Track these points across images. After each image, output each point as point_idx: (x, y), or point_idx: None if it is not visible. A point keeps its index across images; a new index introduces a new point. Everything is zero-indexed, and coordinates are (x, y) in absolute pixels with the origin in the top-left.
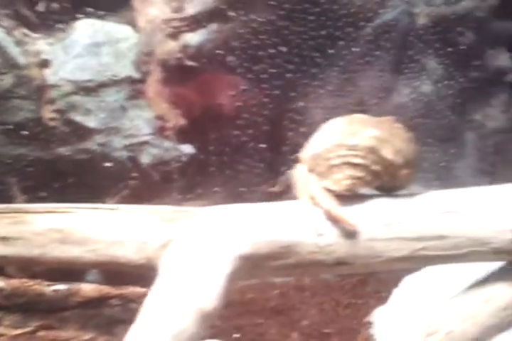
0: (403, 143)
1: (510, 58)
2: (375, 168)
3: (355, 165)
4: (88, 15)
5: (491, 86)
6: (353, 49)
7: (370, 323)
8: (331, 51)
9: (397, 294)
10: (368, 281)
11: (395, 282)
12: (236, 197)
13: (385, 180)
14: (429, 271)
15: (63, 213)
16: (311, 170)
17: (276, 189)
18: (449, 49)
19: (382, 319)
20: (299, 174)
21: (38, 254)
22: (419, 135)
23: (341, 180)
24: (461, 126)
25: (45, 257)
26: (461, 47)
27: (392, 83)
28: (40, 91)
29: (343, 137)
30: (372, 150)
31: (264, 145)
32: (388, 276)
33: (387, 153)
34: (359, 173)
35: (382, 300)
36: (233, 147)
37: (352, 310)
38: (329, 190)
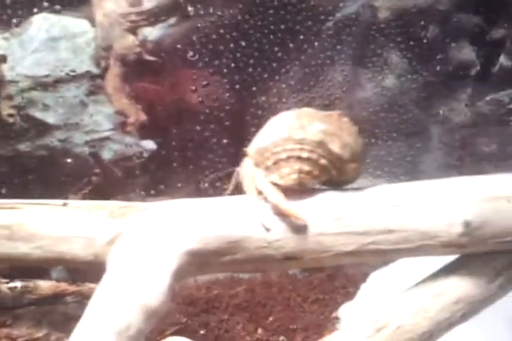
0: (350, 137)
1: (473, 52)
2: (323, 162)
3: (302, 159)
4: (44, 9)
5: (455, 80)
6: (315, 43)
7: (337, 319)
8: (292, 45)
9: (365, 290)
10: (335, 277)
11: (363, 278)
12: (199, 193)
13: (333, 174)
14: (396, 267)
15: (11, 209)
16: (257, 165)
17: (229, 189)
18: (412, 43)
19: (349, 314)
20: (246, 168)
21: None
22: (383, 129)
23: (288, 175)
24: (426, 120)
25: None
26: (424, 41)
27: (355, 77)
28: None
29: (290, 131)
30: (319, 144)
31: (226, 141)
32: (356, 272)
33: (335, 147)
34: (306, 167)
35: (349, 295)
36: (195, 142)
37: (319, 306)
38: (276, 185)
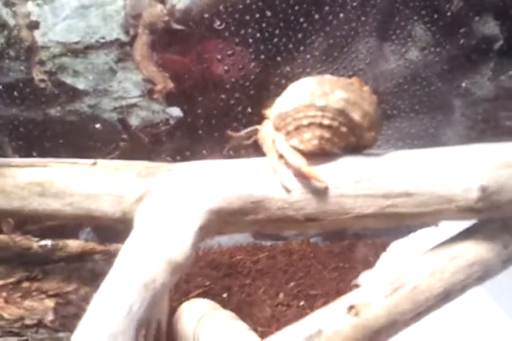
0: (371, 107)
1: (497, 26)
2: (343, 129)
3: (323, 126)
4: None
5: (478, 53)
6: (340, 14)
7: (356, 286)
8: (317, 16)
9: (384, 259)
10: (356, 246)
11: (383, 247)
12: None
13: (351, 141)
14: (416, 237)
15: (43, 167)
16: (278, 129)
17: (237, 135)
18: (436, 16)
19: (368, 282)
20: (266, 131)
21: (18, 207)
22: (406, 101)
23: (309, 140)
24: (449, 93)
25: (24, 210)
26: (448, 14)
27: (379, 49)
28: (29, 53)
29: (312, 98)
30: (341, 113)
31: (250, 109)
32: (376, 241)
33: (356, 115)
34: (327, 134)
35: (369, 264)
36: (221, 110)
37: (339, 274)
38: (297, 149)
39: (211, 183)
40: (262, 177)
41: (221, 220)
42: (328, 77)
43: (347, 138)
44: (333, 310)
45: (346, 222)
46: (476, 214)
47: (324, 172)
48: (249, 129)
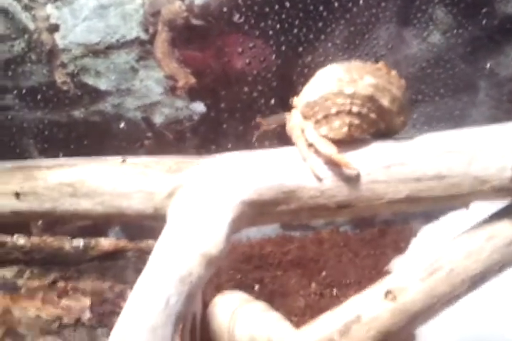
0: (399, 91)
1: None
2: (372, 116)
3: (352, 114)
4: None
5: (501, 33)
6: (359, 1)
7: (388, 273)
8: (336, 4)
9: (415, 244)
10: (386, 232)
11: (413, 232)
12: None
13: (381, 127)
14: (446, 222)
15: (73, 167)
16: (306, 117)
17: (266, 122)
18: None
19: (400, 268)
20: (294, 120)
21: (49, 208)
22: (430, 85)
23: (339, 128)
24: (473, 74)
25: (56, 211)
26: None
27: (400, 34)
28: (51, 56)
29: (340, 85)
30: (370, 99)
31: (273, 101)
32: (407, 227)
33: (385, 101)
34: (356, 121)
35: (400, 250)
36: (244, 104)
37: (371, 261)
38: (326, 138)
39: (241, 175)
40: (293, 166)
41: (253, 212)
42: (355, 63)
43: (376, 124)
44: (370, 296)
45: (379, 207)
46: (511, 194)
47: (355, 159)
48: (277, 115)
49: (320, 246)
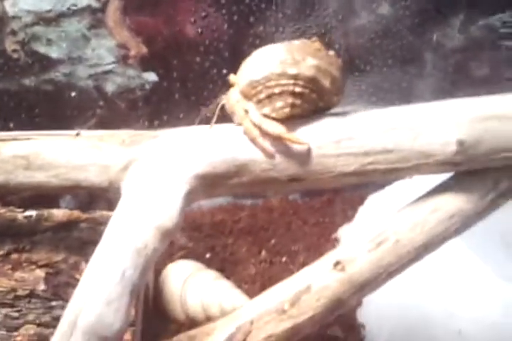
0: (338, 72)
1: None
2: (313, 96)
3: (295, 94)
4: None
5: (447, 6)
6: None
7: (336, 240)
8: None
9: (362, 212)
10: (334, 201)
11: (360, 201)
12: (201, 123)
13: (319, 106)
14: (392, 190)
15: (26, 140)
16: (248, 97)
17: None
18: None
19: (347, 236)
20: (233, 99)
21: (3, 181)
22: (378, 56)
23: (281, 108)
24: (420, 46)
25: (10, 183)
26: None
27: (350, 6)
28: (1, 23)
29: (284, 66)
30: (312, 80)
31: (225, 71)
32: (354, 195)
33: (326, 82)
34: (298, 101)
35: (348, 218)
36: (196, 74)
37: (319, 228)
38: (268, 117)
39: (195, 149)
40: (245, 141)
41: (207, 184)
42: (295, 42)
43: (316, 104)
44: (319, 267)
45: (329, 180)
46: (454, 167)
47: (305, 134)
48: (217, 102)
49: (270, 214)
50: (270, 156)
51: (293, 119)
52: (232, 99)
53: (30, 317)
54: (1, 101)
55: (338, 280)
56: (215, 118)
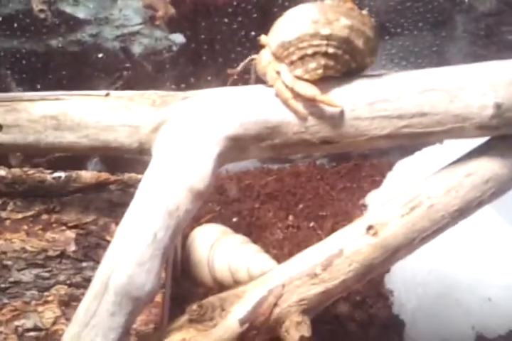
0: (371, 32)
1: None
2: (346, 57)
3: (328, 55)
4: None
5: None
6: None
7: (364, 206)
8: None
9: (391, 178)
10: (362, 166)
11: (389, 167)
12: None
13: (352, 67)
14: (421, 156)
15: (56, 100)
16: (279, 58)
17: (236, 71)
18: None
19: (375, 202)
20: (265, 60)
21: (33, 141)
22: (409, 19)
23: (314, 70)
24: (452, 9)
25: (40, 143)
26: None
27: None
28: None
29: (316, 26)
30: (345, 40)
31: (254, 33)
32: (382, 161)
33: (359, 42)
34: (331, 62)
35: (376, 183)
36: (224, 35)
37: (347, 194)
38: (301, 79)
39: (226, 110)
40: (277, 102)
41: (238, 146)
42: (328, 2)
43: (349, 65)
44: (352, 231)
45: (361, 143)
46: (491, 132)
47: (338, 96)
48: (245, 61)
49: (297, 178)
50: (303, 118)
51: (326, 81)
52: (263, 60)
53: (61, 277)
54: (28, 62)
55: (370, 245)
56: (253, 76)
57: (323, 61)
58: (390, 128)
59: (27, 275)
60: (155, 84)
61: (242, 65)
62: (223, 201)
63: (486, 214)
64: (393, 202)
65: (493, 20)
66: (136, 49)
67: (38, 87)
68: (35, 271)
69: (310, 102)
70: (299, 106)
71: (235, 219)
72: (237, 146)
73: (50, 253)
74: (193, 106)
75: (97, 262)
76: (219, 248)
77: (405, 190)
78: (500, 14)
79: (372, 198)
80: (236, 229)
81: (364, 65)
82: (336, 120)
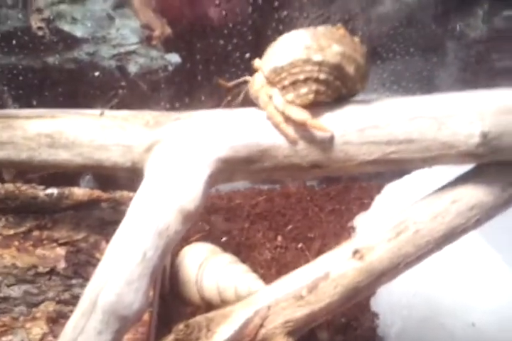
0: (362, 59)
1: None
2: (337, 83)
3: (319, 81)
4: None
5: None
6: None
7: (352, 228)
8: None
9: (379, 201)
10: (351, 188)
11: (378, 189)
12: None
13: (342, 93)
14: (410, 180)
15: (51, 118)
16: (272, 83)
17: (226, 84)
18: None
19: (364, 224)
20: (258, 84)
21: (27, 158)
22: (401, 44)
23: (306, 95)
24: (443, 35)
25: (33, 161)
26: None
27: None
28: (27, 1)
29: (309, 52)
30: (337, 67)
31: (248, 55)
32: (371, 184)
33: (350, 69)
34: (322, 88)
35: (364, 206)
36: (219, 56)
37: (335, 216)
38: (292, 104)
39: (218, 132)
40: (268, 126)
41: (229, 168)
42: (320, 29)
43: (340, 91)
44: (338, 254)
45: (350, 168)
46: (477, 159)
47: (329, 121)
48: (238, 80)
49: (287, 199)
50: (293, 142)
51: (317, 106)
52: (256, 84)
53: (50, 294)
54: (25, 79)
55: (356, 269)
56: (239, 98)
57: (314, 86)
58: (378, 153)
59: (16, 291)
60: (150, 103)
61: (234, 82)
62: (213, 220)
63: (472, 238)
64: (380, 227)
65: (484, 47)
66: (132, 68)
67: (34, 103)
68: (24, 287)
69: (301, 127)
70: (290, 130)
71: (224, 239)
72: (227, 168)
73: (40, 269)
74: (186, 128)
75: (87, 279)
76: (208, 267)
77: (392, 214)
78: (490, 41)
79: (360, 221)
80: (225, 248)
81: (354, 91)
82: (326, 145)
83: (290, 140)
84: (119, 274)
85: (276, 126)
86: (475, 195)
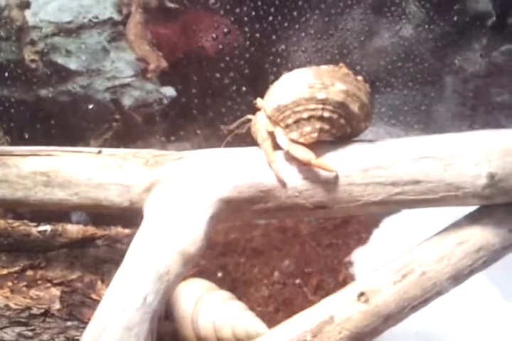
0: (366, 97)
1: (489, 2)
2: (342, 121)
3: (323, 119)
4: None
5: (471, 30)
6: None
7: (350, 263)
8: None
9: (377, 235)
10: (349, 222)
11: (376, 223)
12: (218, 139)
13: (347, 132)
14: (408, 213)
15: (47, 156)
16: (275, 122)
17: (231, 129)
18: None
19: (362, 259)
20: (260, 122)
21: (22, 197)
22: (399, 78)
23: (309, 133)
24: (441, 69)
25: (28, 200)
26: None
27: (373, 27)
28: (20, 33)
29: (312, 91)
30: (341, 105)
31: (245, 88)
32: (369, 218)
33: (355, 107)
34: (326, 126)
35: (362, 240)
36: (215, 89)
37: (333, 250)
38: (296, 142)
39: (220, 172)
40: None
41: (231, 209)
42: (323, 67)
43: (344, 129)
44: (343, 297)
45: (354, 209)
46: (483, 201)
47: (333, 161)
48: (240, 120)
49: (284, 234)
50: (282, 184)
51: (321, 145)
52: (258, 123)
53: (45, 336)
54: (18, 112)
55: (361, 312)
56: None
57: (318, 125)
58: (383, 194)
59: (9, 334)
60: (144, 136)
61: (236, 123)
62: (209, 255)
63: (476, 279)
64: (385, 269)
65: (482, 82)
66: (127, 101)
67: (26, 136)
68: (18, 330)
69: (305, 166)
70: (280, 172)
71: (219, 274)
72: (230, 209)
73: (34, 311)
74: (187, 167)
75: (82, 321)
76: (203, 304)
77: (397, 256)
78: (488, 76)
79: (358, 255)
80: (221, 284)
81: (359, 130)
82: (330, 185)
83: (279, 180)
84: (119, 319)
85: (269, 164)
86: (482, 236)
